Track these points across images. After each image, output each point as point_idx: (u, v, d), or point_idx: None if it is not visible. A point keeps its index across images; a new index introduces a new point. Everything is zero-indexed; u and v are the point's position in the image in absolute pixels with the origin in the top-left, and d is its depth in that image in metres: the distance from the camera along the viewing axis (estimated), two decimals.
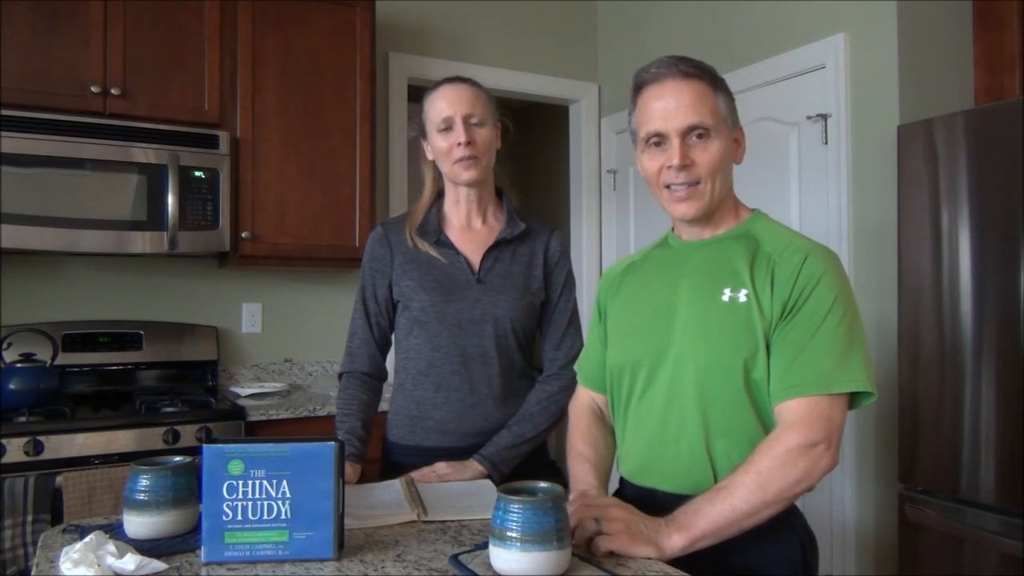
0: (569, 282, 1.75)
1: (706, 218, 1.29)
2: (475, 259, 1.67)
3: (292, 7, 2.78)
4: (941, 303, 2.05)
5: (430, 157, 1.70)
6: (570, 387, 1.62)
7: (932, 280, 2.07)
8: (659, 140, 1.26)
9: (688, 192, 1.25)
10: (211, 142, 2.60)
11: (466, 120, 1.60)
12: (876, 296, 2.41)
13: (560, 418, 1.68)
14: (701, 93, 1.24)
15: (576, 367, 1.53)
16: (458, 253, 1.67)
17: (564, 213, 4.07)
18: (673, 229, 1.39)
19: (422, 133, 1.69)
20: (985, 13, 2.46)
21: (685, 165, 1.23)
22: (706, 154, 1.24)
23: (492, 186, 1.74)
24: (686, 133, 1.23)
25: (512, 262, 1.69)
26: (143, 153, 2.50)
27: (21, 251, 2.45)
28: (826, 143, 2.62)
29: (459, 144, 1.60)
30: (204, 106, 2.65)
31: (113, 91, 2.49)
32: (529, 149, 5.42)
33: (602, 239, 3.80)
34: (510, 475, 1.60)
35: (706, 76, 1.26)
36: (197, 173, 2.57)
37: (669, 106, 1.23)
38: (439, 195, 1.74)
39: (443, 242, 1.68)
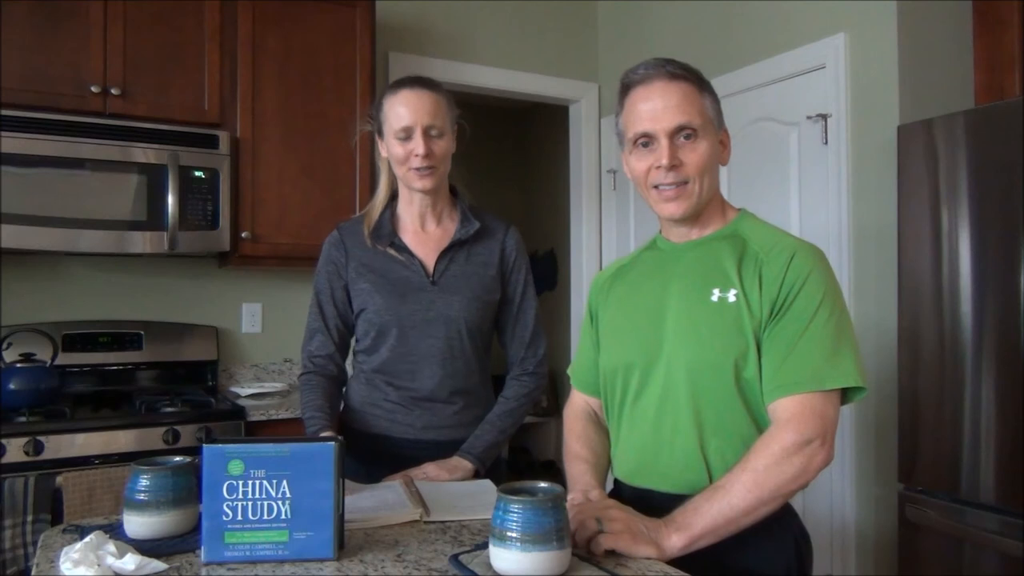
0: (529, 279, 1.76)
1: (694, 218, 1.30)
2: (429, 261, 1.68)
3: (292, 7, 2.78)
4: (941, 303, 2.05)
5: (384, 155, 1.69)
6: (544, 384, 1.74)
7: (932, 280, 2.07)
8: (647, 141, 1.27)
9: (676, 192, 1.26)
10: (211, 142, 2.60)
11: (426, 131, 1.59)
12: (876, 296, 2.41)
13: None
14: (688, 94, 1.25)
15: (569, 371, 1.54)
16: (413, 256, 1.67)
17: (564, 213, 4.07)
18: (661, 231, 1.39)
19: (379, 132, 1.68)
20: (985, 13, 2.46)
21: (674, 165, 1.24)
22: (694, 154, 1.25)
23: (447, 188, 1.74)
24: (674, 134, 1.24)
25: (467, 263, 1.69)
26: (143, 153, 2.50)
27: (21, 251, 2.45)
28: (826, 143, 2.61)
29: (416, 155, 1.59)
30: (204, 106, 2.65)
31: (113, 91, 2.49)
32: (529, 149, 5.42)
33: (602, 239, 3.80)
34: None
35: (692, 77, 1.27)
36: (197, 173, 2.57)
37: (657, 107, 1.25)
38: (393, 196, 1.74)
39: (397, 245, 1.68)
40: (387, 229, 1.69)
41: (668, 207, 1.28)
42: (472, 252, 1.70)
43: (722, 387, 1.20)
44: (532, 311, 1.75)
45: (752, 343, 1.19)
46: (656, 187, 1.28)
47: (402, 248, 1.67)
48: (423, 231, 1.71)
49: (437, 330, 1.65)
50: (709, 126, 1.27)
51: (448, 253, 1.68)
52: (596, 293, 1.47)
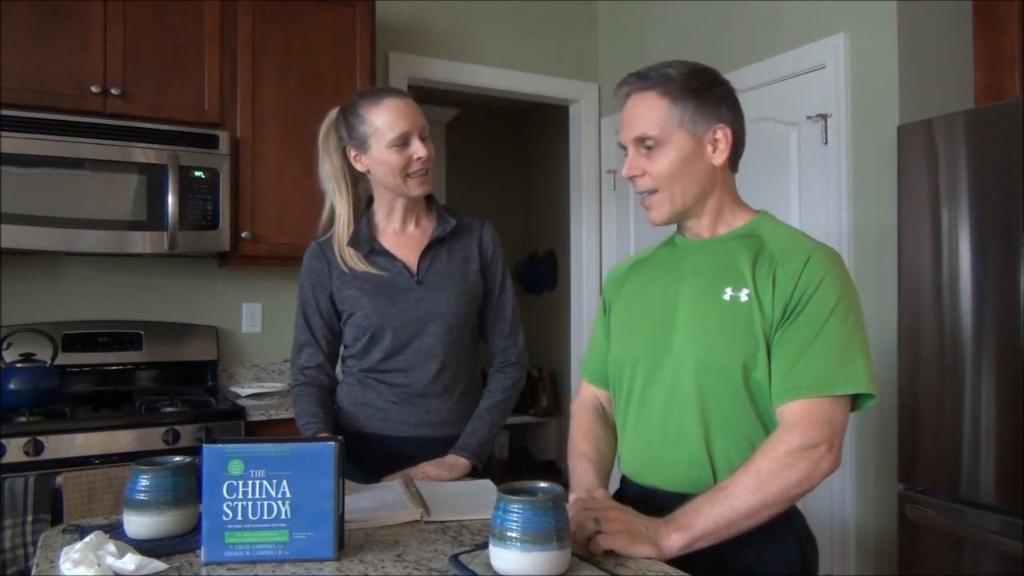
0: (506, 271, 1.78)
1: (697, 219, 1.31)
2: (412, 261, 1.68)
3: (292, 7, 2.78)
4: (941, 303, 2.05)
5: (361, 169, 1.66)
6: (526, 373, 1.79)
7: (932, 280, 2.07)
8: (626, 151, 1.30)
9: (648, 200, 1.29)
10: (211, 142, 2.60)
11: (421, 135, 1.61)
12: (876, 296, 2.41)
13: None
14: (650, 103, 1.26)
15: (580, 363, 1.55)
16: (394, 258, 1.68)
17: (564, 213, 4.07)
18: (679, 228, 1.39)
19: (358, 145, 1.63)
20: (985, 13, 2.45)
21: (633, 175, 1.28)
22: (654, 164, 1.26)
23: None
24: (638, 144, 1.27)
25: (449, 259, 1.70)
26: (143, 153, 2.50)
27: (21, 251, 2.45)
28: (826, 143, 2.61)
29: (418, 158, 1.60)
30: (204, 106, 2.65)
31: (113, 91, 2.49)
32: (529, 149, 5.42)
33: (602, 239, 3.80)
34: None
35: (661, 83, 1.26)
36: (197, 173, 2.57)
37: (626, 118, 1.29)
38: (368, 204, 1.73)
39: (377, 250, 1.68)
40: (365, 236, 1.69)
41: (647, 215, 1.31)
42: (452, 249, 1.71)
43: (730, 387, 1.20)
44: (510, 302, 1.77)
45: (762, 344, 1.18)
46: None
47: (382, 252, 1.68)
48: (403, 233, 1.72)
49: (428, 327, 1.66)
50: (675, 132, 1.25)
51: (429, 251, 1.69)
52: (611, 285, 1.47)
